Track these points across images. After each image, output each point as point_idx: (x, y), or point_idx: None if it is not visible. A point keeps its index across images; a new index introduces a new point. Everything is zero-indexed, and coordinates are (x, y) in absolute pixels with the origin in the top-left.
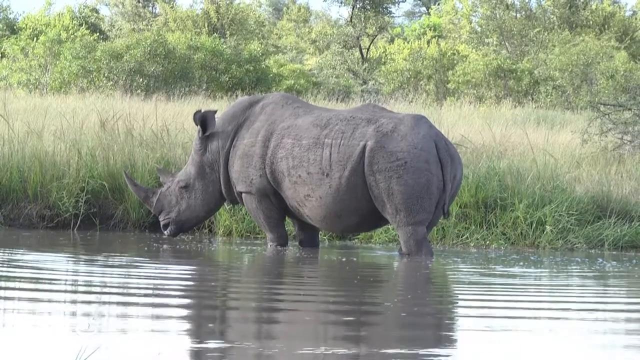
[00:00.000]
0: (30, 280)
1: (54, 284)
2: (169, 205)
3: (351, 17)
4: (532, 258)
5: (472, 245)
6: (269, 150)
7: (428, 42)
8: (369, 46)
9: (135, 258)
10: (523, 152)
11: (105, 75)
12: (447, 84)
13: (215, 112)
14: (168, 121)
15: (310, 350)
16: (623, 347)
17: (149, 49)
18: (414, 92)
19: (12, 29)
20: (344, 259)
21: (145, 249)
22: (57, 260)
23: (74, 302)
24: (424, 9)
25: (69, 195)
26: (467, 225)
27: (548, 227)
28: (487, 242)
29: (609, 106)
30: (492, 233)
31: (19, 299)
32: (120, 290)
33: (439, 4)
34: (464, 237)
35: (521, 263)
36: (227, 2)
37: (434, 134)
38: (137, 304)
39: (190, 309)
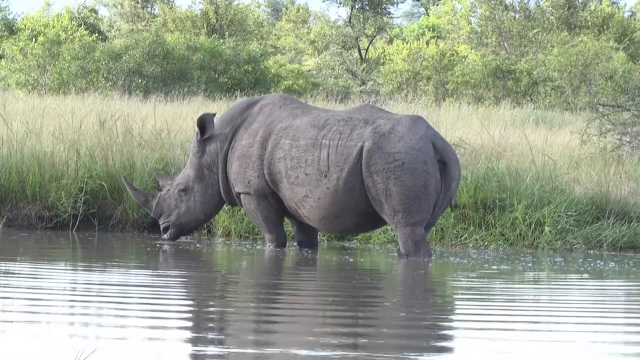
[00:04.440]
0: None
1: (53, 289)
2: (168, 208)
3: (350, 17)
4: (530, 259)
5: (471, 246)
6: (267, 151)
7: (427, 43)
8: (368, 47)
9: (134, 260)
10: (522, 153)
11: (104, 75)
12: (446, 84)
13: (214, 115)
14: (167, 122)
15: (309, 354)
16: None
17: (147, 49)
18: (412, 92)
19: (11, 29)
20: (342, 260)
21: (148, 249)
22: (57, 263)
23: (72, 306)
24: (422, 9)
25: (67, 195)
26: (465, 226)
27: (547, 228)
28: (486, 243)
29: (607, 107)
30: (491, 234)
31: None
32: (119, 293)
33: (437, 5)
34: (462, 238)
35: (521, 264)
36: (226, 2)
37: (431, 135)
38: (135, 309)
39: (189, 313)
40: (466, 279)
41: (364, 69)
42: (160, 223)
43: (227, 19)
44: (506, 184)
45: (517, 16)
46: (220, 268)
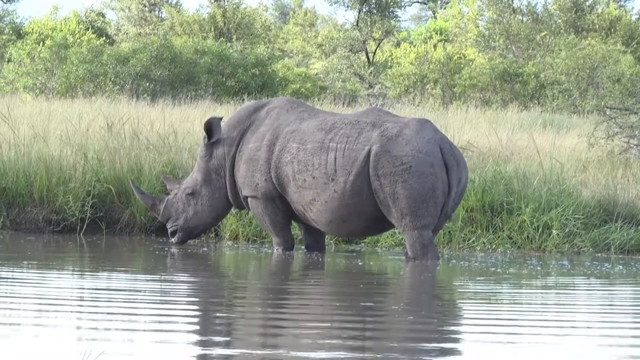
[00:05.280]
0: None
1: (60, 293)
2: (176, 212)
3: (357, 21)
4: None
5: (479, 249)
6: (274, 155)
7: (434, 46)
8: (375, 50)
9: (142, 264)
10: (529, 156)
11: (112, 79)
12: (454, 87)
13: (221, 118)
14: (174, 125)
15: (317, 357)
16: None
17: (155, 53)
18: (420, 96)
19: (19, 33)
20: (349, 263)
21: (156, 253)
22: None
23: (80, 310)
24: (430, 12)
25: (75, 199)
26: (473, 229)
27: (554, 231)
28: (494, 246)
29: (615, 110)
30: (499, 237)
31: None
32: (126, 298)
33: (445, 8)
34: (470, 241)
35: (529, 268)
36: (234, 6)
37: (438, 138)
38: (143, 313)
39: (197, 318)
40: (473, 282)
41: (371, 72)
42: (168, 227)
43: (234, 22)
44: (514, 187)
45: (524, 19)
46: (228, 272)
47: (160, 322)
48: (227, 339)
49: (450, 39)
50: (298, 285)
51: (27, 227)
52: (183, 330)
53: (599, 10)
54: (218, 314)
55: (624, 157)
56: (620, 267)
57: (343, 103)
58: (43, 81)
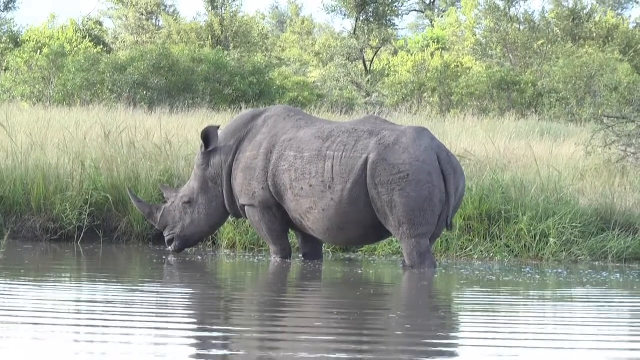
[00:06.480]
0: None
1: (58, 302)
2: (173, 220)
3: (355, 29)
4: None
5: (476, 257)
6: (271, 163)
7: (432, 54)
8: (373, 58)
9: (139, 273)
10: (527, 165)
11: (109, 87)
12: (451, 96)
13: (218, 127)
14: (171, 134)
15: None
16: None
17: (152, 61)
18: (417, 104)
19: (16, 41)
20: (347, 272)
21: (153, 261)
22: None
23: (77, 320)
24: (427, 21)
25: (72, 207)
26: (470, 238)
27: (552, 240)
28: (491, 255)
29: (612, 118)
30: (496, 245)
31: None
32: (123, 309)
33: (442, 17)
34: (467, 250)
35: (526, 276)
36: (231, 14)
37: (436, 146)
38: (139, 325)
39: (193, 328)
40: (471, 291)
41: (368, 80)
42: (165, 235)
43: (232, 30)
44: (511, 196)
45: (521, 28)
46: (225, 281)
47: (157, 334)
48: (225, 349)
49: (448, 47)
50: (295, 295)
51: (24, 236)
52: (180, 340)
53: (597, 19)
54: (215, 324)
55: (621, 166)
56: (618, 275)
57: (340, 111)
58: (40, 89)
